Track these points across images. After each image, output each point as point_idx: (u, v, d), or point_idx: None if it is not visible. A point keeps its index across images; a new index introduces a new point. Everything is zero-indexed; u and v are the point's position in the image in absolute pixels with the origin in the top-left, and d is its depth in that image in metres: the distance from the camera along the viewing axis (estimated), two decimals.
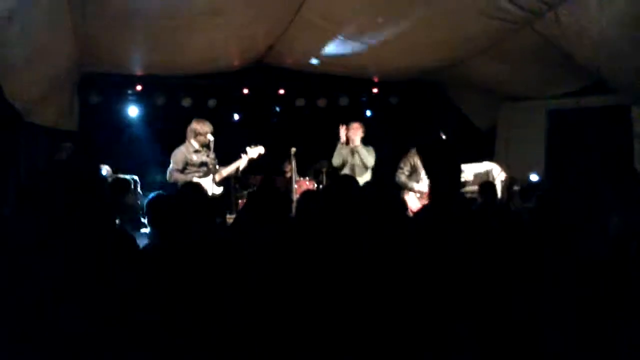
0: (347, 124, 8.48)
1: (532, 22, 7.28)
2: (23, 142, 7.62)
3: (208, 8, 6.92)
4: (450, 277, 3.17)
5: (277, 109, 11.34)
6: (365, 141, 8.40)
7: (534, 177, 9.15)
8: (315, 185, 9.11)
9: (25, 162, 7.65)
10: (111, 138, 10.09)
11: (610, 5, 6.40)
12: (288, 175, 9.54)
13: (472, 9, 6.91)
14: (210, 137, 7.51)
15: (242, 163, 7.76)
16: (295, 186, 8.65)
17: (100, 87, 9.80)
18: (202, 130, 7.52)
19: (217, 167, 7.69)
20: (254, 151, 7.79)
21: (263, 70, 10.13)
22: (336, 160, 8.41)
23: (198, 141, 7.52)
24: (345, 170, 8.27)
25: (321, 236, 3.67)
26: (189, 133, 7.58)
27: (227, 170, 7.71)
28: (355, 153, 8.30)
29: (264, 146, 7.92)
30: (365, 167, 8.29)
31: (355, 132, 8.37)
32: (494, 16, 7.08)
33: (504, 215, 5.15)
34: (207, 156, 7.58)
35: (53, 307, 2.85)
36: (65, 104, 8.94)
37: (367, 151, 8.32)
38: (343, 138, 8.40)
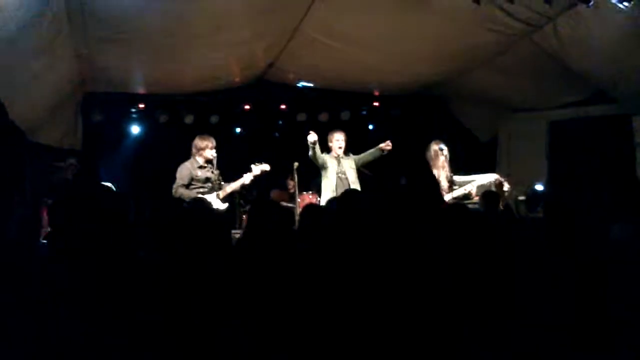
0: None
1: (531, 34, 7.34)
2: (28, 161, 7.67)
3: (208, 25, 6.98)
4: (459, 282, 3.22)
5: (280, 123, 11.37)
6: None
7: (539, 187, 9.14)
8: (318, 199, 9.13)
9: (30, 181, 7.69)
10: (114, 156, 10.13)
11: (608, 17, 6.44)
12: (291, 190, 9.58)
13: (470, 21, 6.95)
14: (214, 153, 7.57)
15: (246, 180, 7.78)
16: (299, 200, 8.68)
17: (103, 105, 9.81)
18: (206, 146, 7.57)
19: (222, 183, 7.73)
20: (258, 168, 7.82)
21: (264, 86, 10.19)
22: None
23: (202, 157, 7.57)
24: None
25: (328, 248, 3.69)
26: (193, 149, 7.64)
27: (231, 187, 7.75)
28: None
29: (266, 161, 7.93)
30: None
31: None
32: (492, 29, 7.13)
33: (509, 223, 5.19)
34: (212, 172, 7.63)
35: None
36: (69, 123, 9.00)
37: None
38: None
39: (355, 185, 7.93)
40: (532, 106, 10.04)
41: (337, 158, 8.07)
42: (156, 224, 4.00)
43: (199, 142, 7.61)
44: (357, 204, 4.31)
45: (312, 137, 7.67)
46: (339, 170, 8.00)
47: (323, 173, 8.05)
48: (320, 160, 7.94)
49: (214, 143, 7.64)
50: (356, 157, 8.25)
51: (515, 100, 10.05)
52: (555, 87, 8.90)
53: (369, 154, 8.21)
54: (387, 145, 8.02)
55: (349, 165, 8.08)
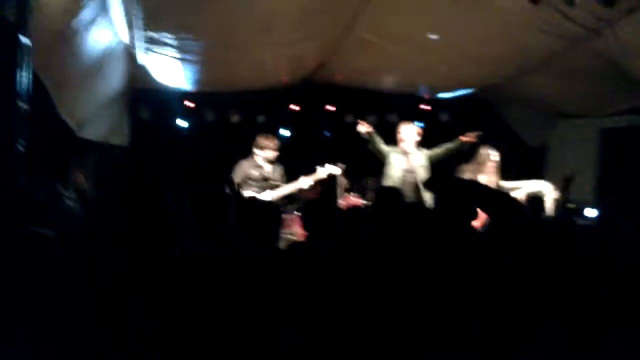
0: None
1: (589, 39, 7.13)
2: (76, 157, 7.71)
3: (259, 25, 6.93)
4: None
5: (328, 127, 11.28)
6: None
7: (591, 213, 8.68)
8: (362, 201, 9.02)
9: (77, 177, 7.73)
10: (161, 153, 10.17)
11: None
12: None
13: (527, 24, 6.78)
14: (274, 153, 7.50)
15: (305, 183, 7.59)
16: (343, 202, 8.58)
17: (151, 103, 9.89)
18: (266, 145, 7.52)
19: (280, 184, 7.60)
20: (324, 171, 7.66)
21: (312, 87, 10.14)
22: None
23: (261, 156, 7.52)
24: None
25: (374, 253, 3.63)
26: (254, 148, 7.58)
27: (285, 190, 7.60)
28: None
29: (313, 163, 7.79)
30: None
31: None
32: (549, 32, 6.94)
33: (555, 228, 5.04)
34: (272, 172, 7.55)
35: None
36: (116, 119, 9.05)
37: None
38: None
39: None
40: (585, 112, 9.81)
41: (404, 153, 7.43)
42: (202, 217, 3.99)
43: (259, 141, 7.57)
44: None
45: (362, 127, 7.40)
46: (405, 168, 7.34)
47: (386, 170, 7.51)
48: (383, 152, 7.46)
49: (276, 143, 7.58)
50: (429, 151, 7.58)
51: (567, 106, 9.83)
52: (611, 94, 8.64)
53: (444, 149, 7.65)
54: (470, 136, 7.57)
55: (419, 163, 7.41)
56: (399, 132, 7.53)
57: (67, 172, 7.51)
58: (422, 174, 7.27)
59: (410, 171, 7.31)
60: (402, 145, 7.45)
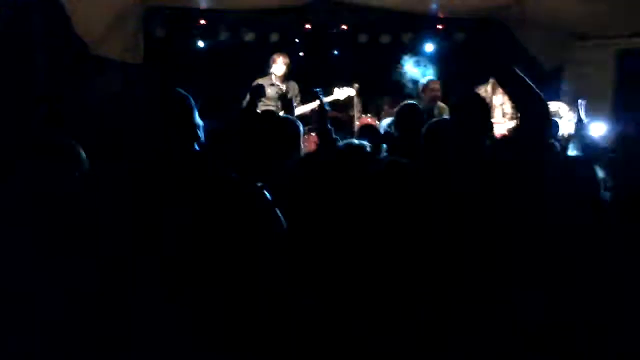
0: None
1: None
2: (90, 74, 7.78)
3: None
4: None
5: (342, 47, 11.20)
6: None
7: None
8: (377, 122, 9.06)
9: (91, 94, 7.81)
10: (175, 72, 10.19)
11: None
12: (350, 112, 9.50)
13: None
14: (284, 69, 7.49)
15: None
16: (357, 123, 8.62)
17: (165, 21, 9.86)
18: (279, 62, 7.51)
19: (296, 103, 7.59)
20: (343, 92, 7.65)
21: (325, 6, 10.03)
22: None
23: (274, 74, 7.52)
24: None
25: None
26: (270, 65, 7.59)
27: (301, 109, 7.62)
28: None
29: (326, 84, 7.70)
30: None
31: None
32: None
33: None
34: (286, 89, 7.56)
35: None
36: (130, 37, 9.05)
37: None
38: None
39: None
40: (602, 33, 9.67)
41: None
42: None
43: (272, 59, 7.57)
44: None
45: None
46: None
47: None
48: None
49: (287, 59, 7.56)
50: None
51: (584, 26, 9.68)
52: (628, 12, 8.51)
53: None
54: None
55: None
56: (426, 91, 7.57)
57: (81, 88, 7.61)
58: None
59: None
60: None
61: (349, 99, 8.18)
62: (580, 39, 10.10)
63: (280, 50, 8.19)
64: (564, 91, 10.18)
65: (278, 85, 7.57)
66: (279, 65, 7.55)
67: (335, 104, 8.04)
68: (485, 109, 3.96)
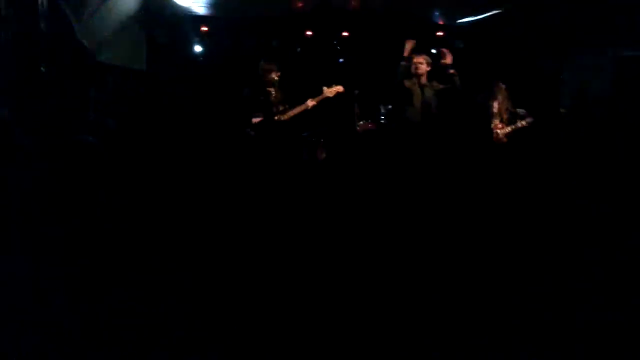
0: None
1: None
2: (93, 80, 7.84)
3: None
4: None
5: (339, 51, 11.26)
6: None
7: None
8: (376, 126, 9.13)
9: (95, 100, 7.87)
10: (177, 78, 10.26)
11: None
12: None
13: None
14: (275, 76, 7.54)
15: (310, 104, 7.62)
16: (357, 128, 8.69)
17: (167, 27, 9.93)
18: (268, 68, 7.56)
19: (285, 107, 7.67)
20: (331, 91, 7.70)
21: (326, 12, 10.10)
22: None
23: (265, 80, 7.57)
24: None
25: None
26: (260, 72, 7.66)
27: (293, 112, 7.68)
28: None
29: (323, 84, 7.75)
30: None
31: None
32: None
33: None
34: (275, 96, 7.61)
35: None
36: (133, 44, 9.13)
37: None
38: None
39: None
40: (601, 41, 9.74)
41: (420, 86, 7.44)
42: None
43: (262, 65, 7.62)
44: None
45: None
46: (423, 99, 7.38)
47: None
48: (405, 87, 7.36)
49: (276, 66, 7.62)
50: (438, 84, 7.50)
51: (583, 35, 9.76)
52: (628, 23, 8.58)
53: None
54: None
55: (435, 95, 7.43)
56: (412, 65, 7.43)
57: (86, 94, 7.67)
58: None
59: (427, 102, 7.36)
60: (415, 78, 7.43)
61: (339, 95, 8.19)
62: (581, 46, 10.17)
63: (281, 57, 8.22)
64: (562, 98, 10.27)
65: (267, 91, 7.58)
66: (266, 73, 7.57)
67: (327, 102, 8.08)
68: None
